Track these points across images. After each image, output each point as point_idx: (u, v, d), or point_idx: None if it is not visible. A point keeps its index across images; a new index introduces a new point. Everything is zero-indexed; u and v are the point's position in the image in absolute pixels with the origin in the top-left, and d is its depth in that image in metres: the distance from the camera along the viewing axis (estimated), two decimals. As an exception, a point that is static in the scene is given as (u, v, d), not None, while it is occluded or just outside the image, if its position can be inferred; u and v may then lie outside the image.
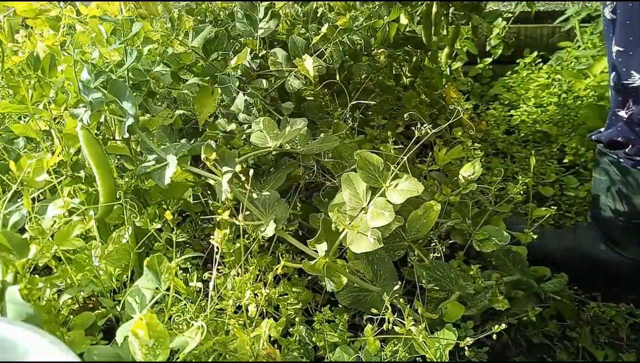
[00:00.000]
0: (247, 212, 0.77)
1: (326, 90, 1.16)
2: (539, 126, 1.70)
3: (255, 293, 0.72)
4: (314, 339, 0.79)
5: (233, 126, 0.93)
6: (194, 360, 0.62)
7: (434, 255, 0.84)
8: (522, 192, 0.96)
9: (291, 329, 0.78)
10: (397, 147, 0.88)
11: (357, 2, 1.17)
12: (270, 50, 1.01)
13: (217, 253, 0.66)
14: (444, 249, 0.89)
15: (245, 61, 0.92)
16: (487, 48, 2.06)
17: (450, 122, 0.81)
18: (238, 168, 0.72)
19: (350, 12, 1.15)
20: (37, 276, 0.64)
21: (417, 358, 0.77)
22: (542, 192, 1.46)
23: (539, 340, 1.03)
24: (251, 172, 0.70)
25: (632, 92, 1.01)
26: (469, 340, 0.69)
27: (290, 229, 0.86)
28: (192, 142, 0.87)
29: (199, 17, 1.06)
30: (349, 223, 0.75)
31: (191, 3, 1.08)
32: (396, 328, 0.71)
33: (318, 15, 1.09)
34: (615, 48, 1.00)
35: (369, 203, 0.75)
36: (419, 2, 1.26)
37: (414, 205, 0.86)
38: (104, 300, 0.76)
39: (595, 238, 1.17)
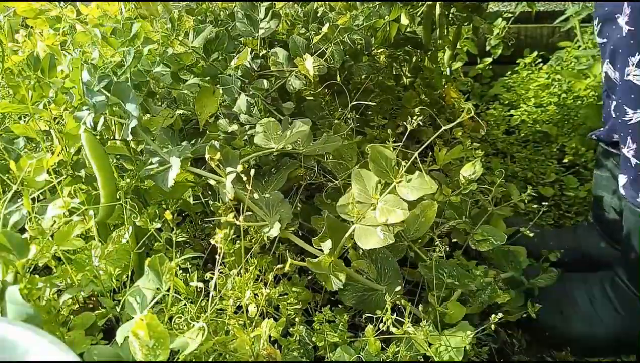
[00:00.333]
0: (249, 213, 0.77)
1: (326, 90, 1.16)
2: (539, 126, 1.70)
3: (255, 294, 0.72)
4: (314, 339, 0.79)
5: (235, 127, 0.93)
6: (194, 360, 0.62)
7: (436, 254, 0.84)
8: (525, 201, 0.96)
9: (291, 329, 0.78)
10: (397, 145, 0.88)
11: (358, 2, 1.17)
12: (271, 50, 1.00)
13: (218, 254, 0.66)
14: (446, 248, 0.89)
15: (245, 61, 0.92)
16: (487, 48, 2.06)
17: (455, 122, 0.81)
18: (240, 168, 0.72)
19: (351, 11, 1.14)
20: (37, 276, 0.64)
21: (419, 358, 0.77)
22: (542, 192, 1.45)
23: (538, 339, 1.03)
24: (252, 172, 0.70)
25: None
26: (473, 337, 0.70)
27: (291, 230, 0.86)
28: (193, 142, 0.87)
29: (199, 17, 1.06)
30: (359, 219, 0.75)
31: (191, 3, 1.08)
32: (396, 329, 0.71)
33: (319, 15, 1.09)
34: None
35: (379, 199, 0.76)
36: (420, 3, 1.26)
37: (412, 205, 0.86)
38: (104, 300, 0.76)
39: (596, 237, 1.17)
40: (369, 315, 0.78)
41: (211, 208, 0.93)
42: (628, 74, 0.88)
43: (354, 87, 1.20)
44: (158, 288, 0.62)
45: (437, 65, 1.43)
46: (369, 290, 0.83)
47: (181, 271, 0.83)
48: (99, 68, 0.76)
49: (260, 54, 0.99)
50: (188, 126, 0.98)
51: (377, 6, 1.17)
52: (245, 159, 0.84)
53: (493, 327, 0.74)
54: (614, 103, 0.94)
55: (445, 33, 1.34)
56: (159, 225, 0.78)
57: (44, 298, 0.66)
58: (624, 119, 0.91)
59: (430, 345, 0.75)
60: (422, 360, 0.78)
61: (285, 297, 0.83)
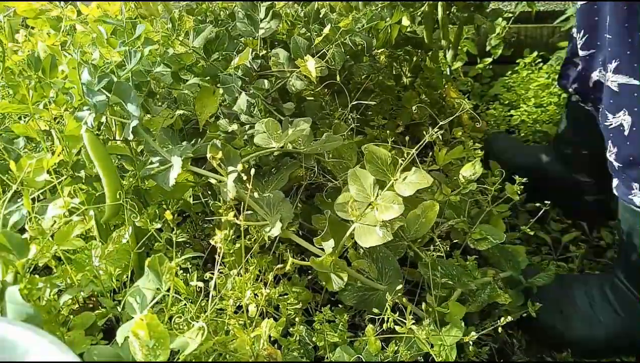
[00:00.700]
0: (249, 212, 0.77)
1: (326, 90, 1.16)
2: (539, 126, 1.70)
3: (255, 293, 0.72)
4: (314, 339, 0.79)
5: (235, 127, 0.93)
6: (194, 360, 0.62)
7: (436, 254, 0.84)
8: (519, 192, 0.96)
9: (291, 329, 0.78)
10: (397, 146, 0.88)
11: (360, 3, 1.17)
12: (272, 51, 1.01)
13: (218, 254, 0.66)
14: (447, 248, 0.89)
15: (246, 61, 0.92)
16: (487, 48, 2.06)
17: (451, 117, 0.81)
18: (240, 167, 0.73)
19: (352, 12, 1.15)
20: (37, 276, 0.64)
21: (419, 358, 0.77)
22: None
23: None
24: (252, 171, 0.70)
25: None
26: (474, 335, 0.70)
27: (291, 229, 0.86)
28: (193, 142, 0.87)
29: (199, 17, 1.06)
30: (359, 217, 0.75)
31: (191, 3, 1.08)
32: (399, 327, 0.71)
33: (320, 15, 1.09)
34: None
35: (376, 197, 0.76)
36: (421, 3, 1.26)
37: (413, 205, 0.87)
38: (104, 300, 0.76)
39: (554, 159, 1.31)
40: (370, 315, 0.78)
41: (211, 208, 0.93)
42: (607, 80, 0.91)
43: (354, 87, 1.20)
44: (158, 288, 0.62)
45: (438, 65, 1.43)
46: (370, 289, 0.83)
47: (181, 271, 0.83)
48: (100, 68, 0.76)
49: (261, 54, 0.99)
50: (188, 126, 0.98)
51: (379, 8, 1.17)
52: (246, 159, 0.84)
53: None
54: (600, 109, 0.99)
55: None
56: (159, 225, 0.78)
57: (44, 298, 0.66)
58: (605, 123, 0.93)
59: (431, 345, 0.75)
60: (422, 359, 0.78)
61: (285, 297, 0.83)
